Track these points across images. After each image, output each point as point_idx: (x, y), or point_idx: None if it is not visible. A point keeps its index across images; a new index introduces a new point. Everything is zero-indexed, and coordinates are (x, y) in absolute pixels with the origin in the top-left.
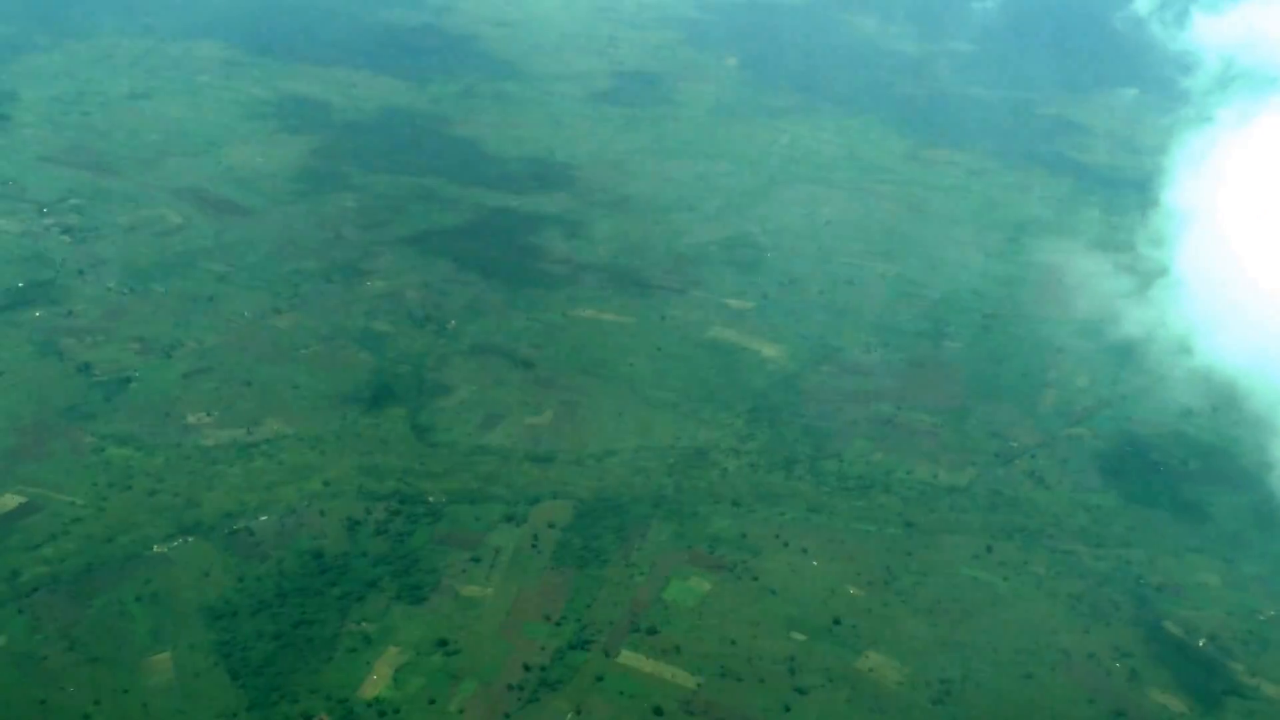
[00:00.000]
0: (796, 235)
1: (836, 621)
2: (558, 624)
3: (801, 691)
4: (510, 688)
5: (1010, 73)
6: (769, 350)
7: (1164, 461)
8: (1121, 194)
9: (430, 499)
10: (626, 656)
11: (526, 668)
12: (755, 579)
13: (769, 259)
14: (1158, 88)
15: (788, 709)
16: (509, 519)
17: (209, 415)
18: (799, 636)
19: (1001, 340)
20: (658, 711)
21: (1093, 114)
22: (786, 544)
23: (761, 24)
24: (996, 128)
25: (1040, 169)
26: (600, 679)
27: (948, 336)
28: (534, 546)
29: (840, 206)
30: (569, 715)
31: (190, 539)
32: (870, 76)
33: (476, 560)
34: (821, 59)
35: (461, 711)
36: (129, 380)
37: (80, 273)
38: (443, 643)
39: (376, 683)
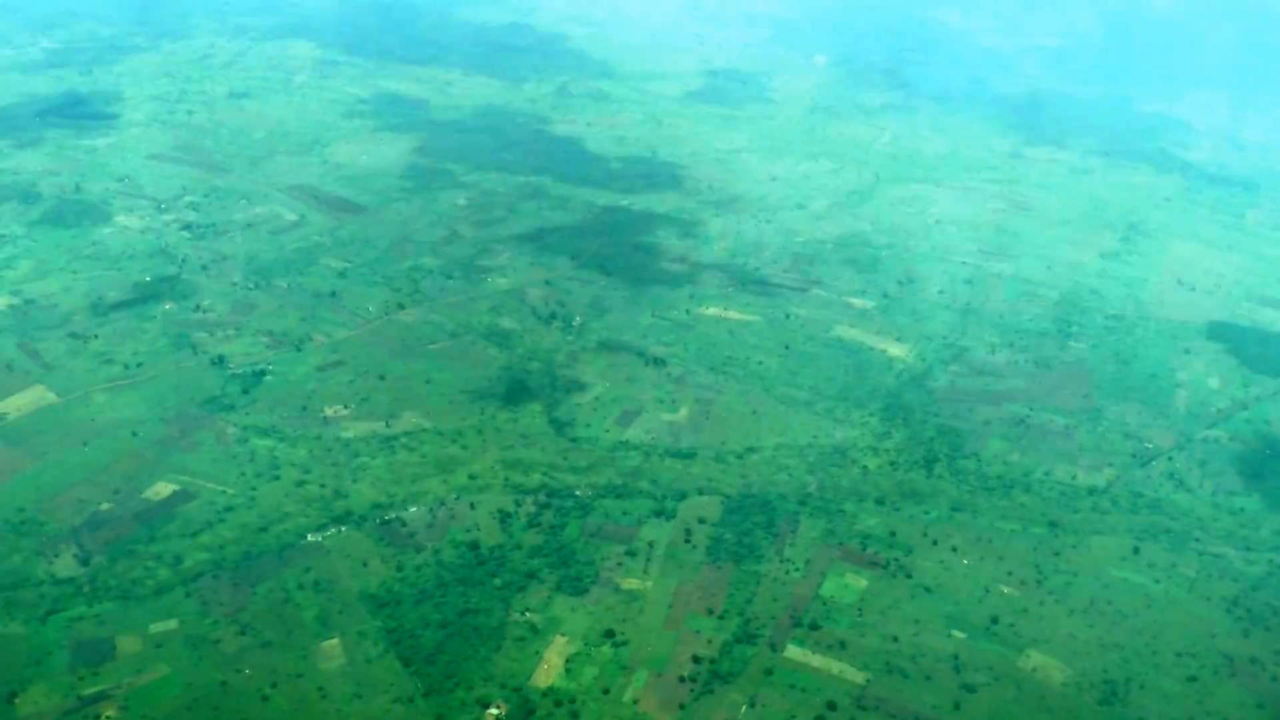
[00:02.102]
0: (909, 234)
1: (994, 620)
2: (720, 618)
3: (969, 689)
4: (682, 679)
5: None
6: (895, 350)
7: None
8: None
9: (578, 493)
10: (793, 651)
11: (696, 660)
12: (909, 576)
13: (884, 258)
14: None
15: (957, 706)
16: (658, 514)
17: (346, 408)
18: (959, 634)
19: (1127, 341)
20: (831, 706)
21: None
22: (935, 542)
23: (845, 20)
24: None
25: (1145, 166)
26: (769, 673)
27: (1072, 337)
28: (687, 541)
29: (948, 205)
30: (743, 708)
31: (343, 529)
32: (963, 73)
33: (631, 554)
34: (911, 55)
35: (636, 701)
36: (264, 373)
37: (204, 268)
38: (610, 634)
39: (549, 672)
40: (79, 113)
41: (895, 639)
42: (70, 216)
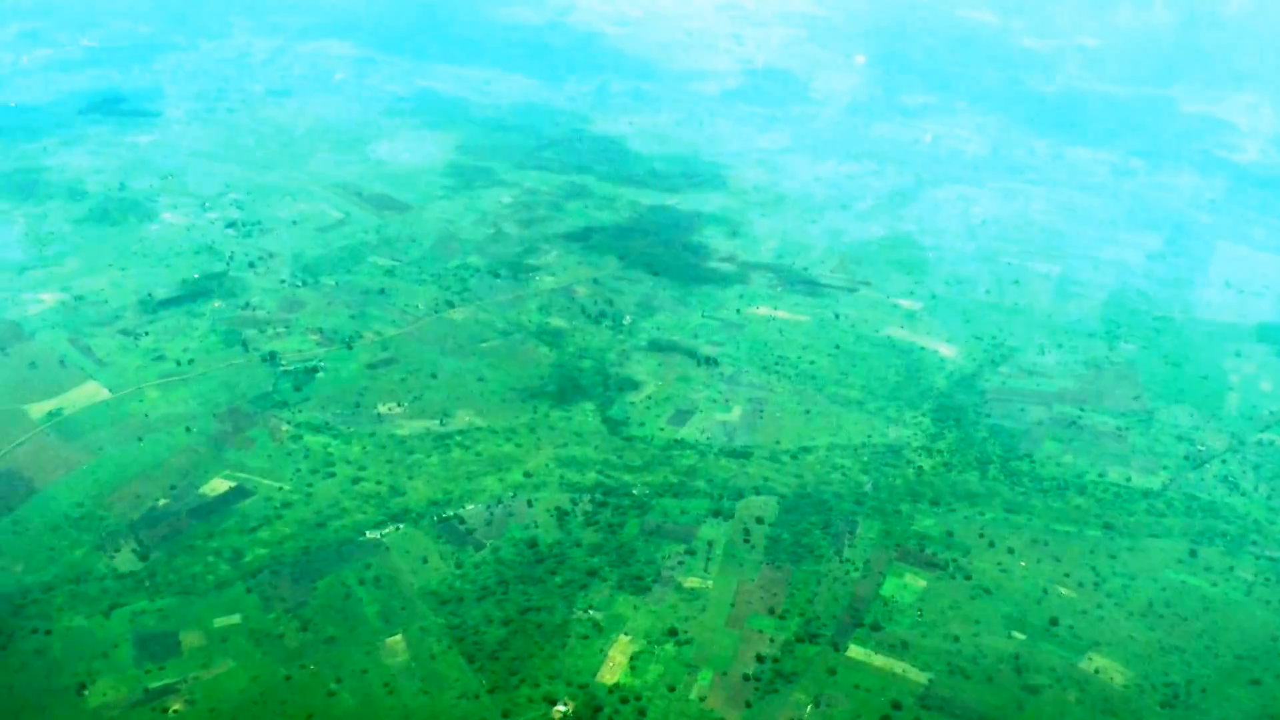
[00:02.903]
0: (954, 235)
1: (1054, 622)
2: (782, 617)
3: (1032, 690)
4: (746, 678)
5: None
6: (945, 350)
7: None
8: None
9: (634, 491)
10: (855, 651)
11: (759, 659)
12: (968, 578)
13: (931, 259)
14: None
15: (1021, 707)
16: (716, 513)
17: (399, 406)
18: (1019, 636)
19: (1176, 343)
20: (895, 706)
21: None
22: (992, 544)
23: (881, 20)
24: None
25: (1189, 168)
26: (833, 672)
27: (1121, 338)
28: (746, 541)
29: (992, 206)
30: (809, 707)
31: (401, 526)
32: (1002, 74)
33: (691, 553)
34: (949, 56)
35: (703, 699)
36: (315, 370)
37: (251, 265)
38: (673, 632)
39: (614, 669)
40: (120, 110)
41: (956, 639)
42: (116, 213)
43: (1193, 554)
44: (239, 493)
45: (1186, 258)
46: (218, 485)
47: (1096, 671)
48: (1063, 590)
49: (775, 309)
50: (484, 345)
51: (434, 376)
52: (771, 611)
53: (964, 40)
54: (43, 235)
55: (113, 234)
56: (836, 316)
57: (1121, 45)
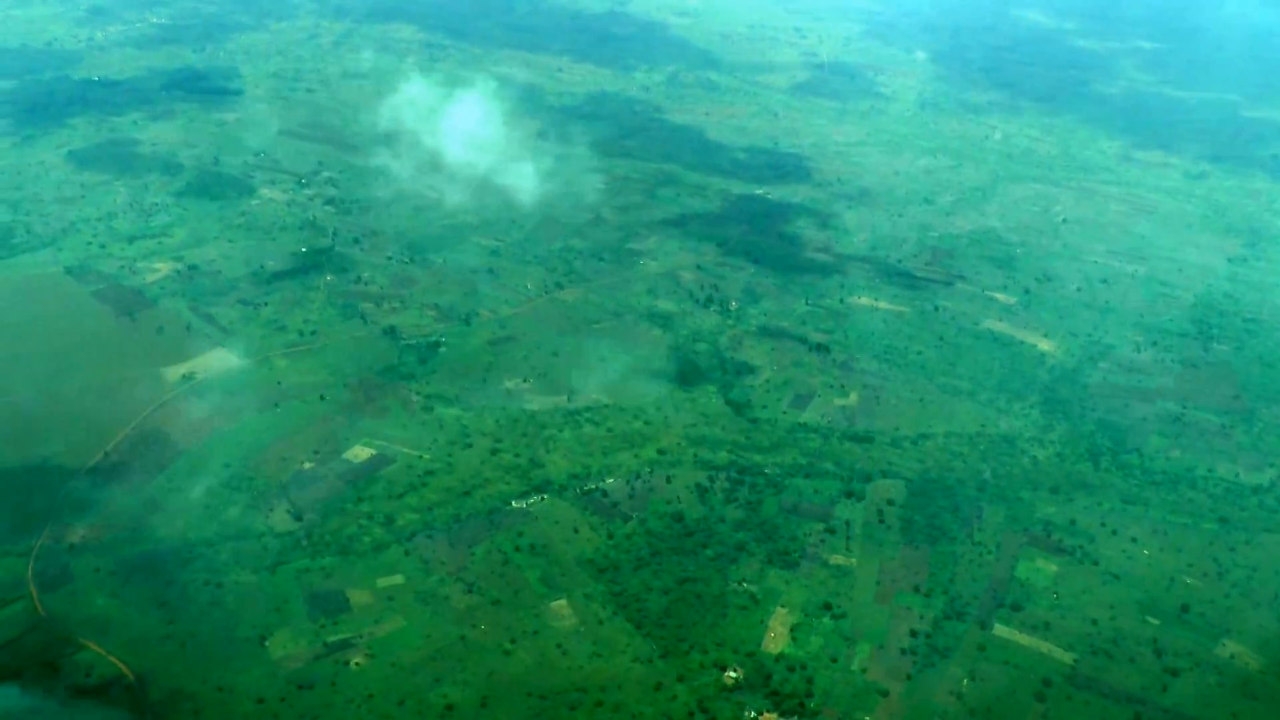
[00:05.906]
0: (1038, 233)
1: (1185, 609)
2: (927, 595)
3: (1172, 673)
4: (903, 652)
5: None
6: (1044, 345)
7: None
8: None
9: (767, 471)
10: (1000, 630)
11: (913, 634)
12: (1096, 564)
13: (1019, 255)
14: None
15: (1164, 689)
16: (848, 494)
17: (525, 382)
18: (1153, 621)
19: (1268, 344)
20: (1046, 683)
21: None
22: (1115, 532)
23: (938, 17)
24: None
25: (1260, 173)
26: (983, 649)
27: (1214, 339)
28: (881, 521)
29: (1071, 205)
30: (964, 681)
31: (545, 496)
32: (1063, 74)
33: (831, 531)
34: (1009, 55)
35: (864, 671)
36: (438, 345)
37: (356, 241)
38: (827, 606)
39: (777, 640)
40: (202, 87)
41: (1094, 622)
42: (214, 188)
43: None
44: (381, 460)
45: (1268, 262)
46: (359, 452)
47: (1231, 657)
48: (1188, 579)
49: (876, 300)
50: (598, 326)
51: (555, 355)
52: (917, 589)
53: (1021, 40)
54: (146, 206)
55: (214, 208)
56: (936, 309)
57: (1177, 49)
